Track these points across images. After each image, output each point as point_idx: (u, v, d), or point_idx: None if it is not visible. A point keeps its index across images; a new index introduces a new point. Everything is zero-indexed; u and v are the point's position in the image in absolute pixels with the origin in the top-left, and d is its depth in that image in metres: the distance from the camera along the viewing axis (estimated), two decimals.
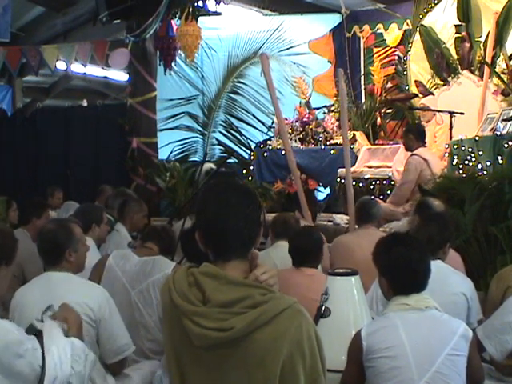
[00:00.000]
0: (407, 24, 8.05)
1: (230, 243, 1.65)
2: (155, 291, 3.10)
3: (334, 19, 8.89)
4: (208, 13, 8.13)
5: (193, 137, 9.47)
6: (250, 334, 1.55)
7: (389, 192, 6.23)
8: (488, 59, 6.88)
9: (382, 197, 6.22)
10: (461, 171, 4.99)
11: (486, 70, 6.82)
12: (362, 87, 8.65)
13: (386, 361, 2.20)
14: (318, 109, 7.98)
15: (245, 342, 1.56)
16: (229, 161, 8.15)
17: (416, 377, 2.16)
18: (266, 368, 1.56)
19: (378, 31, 8.48)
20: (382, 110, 8.10)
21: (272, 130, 8.47)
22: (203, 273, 1.63)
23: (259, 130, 9.27)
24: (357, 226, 4.47)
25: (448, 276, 2.96)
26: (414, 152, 5.70)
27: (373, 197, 5.62)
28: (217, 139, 9.50)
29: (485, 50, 7.04)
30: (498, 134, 5.27)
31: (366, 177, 6.61)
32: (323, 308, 2.47)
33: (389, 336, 2.23)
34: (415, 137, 5.78)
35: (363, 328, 2.30)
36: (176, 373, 1.67)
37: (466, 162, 5.06)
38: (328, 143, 7.48)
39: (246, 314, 1.55)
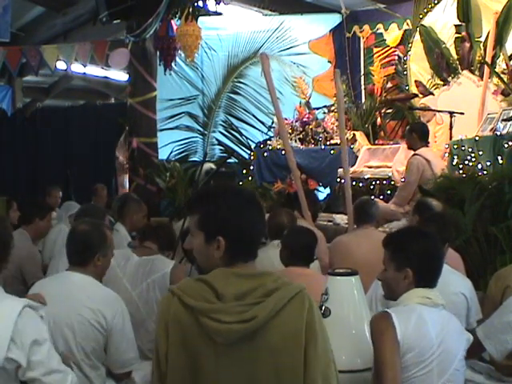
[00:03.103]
0: (407, 24, 8.04)
1: (255, 246, 1.74)
2: (155, 291, 3.10)
3: (333, 19, 8.88)
4: (208, 13, 8.12)
5: (193, 137, 9.47)
6: (269, 322, 1.60)
7: (389, 192, 6.23)
8: (488, 59, 6.87)
9: (381, 197, 6.21)
10: (461, 171, 4.99)
11: (486, 70, 6.82)
12: (362, 87, 8.65)
13: (413, 354, 2.17)
14: (318, 109, 7.98)
15: (265, 329, 1.60)
16: (229, 161, 8.15)
17: (436, 371, 2.16)
18: (290, 352, 1.61)
19: (378, 31, 8.48)
20: (382, 110, 8.09)
21: (272, 129, 8.46)
22: (210, 275, 1.67)
23: (259, 130, 9.27)
24: (355, 226, 4.46)
25: (447, 276, 2.95)
26: (416, 152, 5.68)
27: (373, 197, 5.63)
28: (217, 139, 9.51)
29: (485, 50, 7.04)
30: (498, 133, 5.26)
31: (366, 177, 6.60)
32: (323, 308, 2.46)
33: (420, 330, 2.19)
34: (419, 136, 5.76)
35: (392, 315, 2.18)
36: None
37: (466, 162, 5.06)
38: (328, 143, 7.48)
39: (264, 302, 1.60)
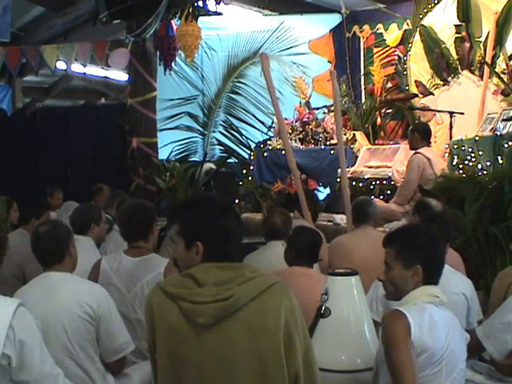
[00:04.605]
0: (407, 24, 8.04)
1: (231, 250, 1.84)
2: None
3: (334, 19, 8.89)
4: (208, 13, 8.13)
5: (193, 137, 9.48)
6: (248, 304, 1.70)
7: (389, 192, 6.22)
8: (488, 59, 6.87)
9: (382, 197, 6.21)
10: (461, 171, 4.99)
11: (486, 70, 6.82)
12: (362, 87, 8.65)
13: (427, 355, 2.15)
14: (318, 109, 7.98)
15: (245, 311, 1.70)
16: (229, 161, 8.16)
17: (444, 370, 2.16)
18: (271, 333, 1.70)
19: (378, 31, 8.47)
20: (382, 110, 8.09)
21: (272, 129, 8.47)
22: (193, 268, 1.78)
23: (259, 130, 9.28)
24: (353, 226, 4.45)
25: (448, 276, 2.94)
26: (417, 151, 5.69)
27: (373, 197, 5.62)
28: (217, 139, 9.51)
29: (485, 50, 7.04)
30: (498, 133, 5.26)
31: (366, 177, 6.60)
32: (323, 308, 2.47)
33: (432, 330, 2.16)
34: (421, 136, 5.76)
35: (407, 315, 2.12)
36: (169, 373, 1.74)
37: (466, 162, 5.06)
38: (328, 143, 7.47)
39: (242, 285, 1.72)
